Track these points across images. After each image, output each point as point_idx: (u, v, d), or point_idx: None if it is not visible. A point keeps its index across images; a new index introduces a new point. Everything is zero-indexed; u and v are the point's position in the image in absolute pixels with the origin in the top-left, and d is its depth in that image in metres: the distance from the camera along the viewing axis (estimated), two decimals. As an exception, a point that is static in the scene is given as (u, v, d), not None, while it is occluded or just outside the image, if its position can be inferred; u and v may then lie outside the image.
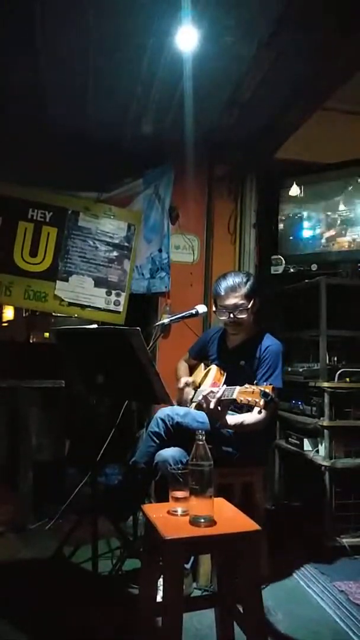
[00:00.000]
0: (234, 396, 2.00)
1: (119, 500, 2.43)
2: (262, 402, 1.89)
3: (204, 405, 2.14)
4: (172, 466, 2.07)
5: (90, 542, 2.19)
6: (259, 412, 2.05)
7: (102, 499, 2.45)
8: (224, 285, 2.40)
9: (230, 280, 2.41)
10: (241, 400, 1.96)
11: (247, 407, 2.27)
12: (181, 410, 2.33)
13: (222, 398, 2.09)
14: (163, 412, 2.31)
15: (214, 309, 2.51)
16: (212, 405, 2.09)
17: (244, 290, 2.37)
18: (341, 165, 3.15)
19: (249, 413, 2.23)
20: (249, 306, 2.37)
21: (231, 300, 2.38)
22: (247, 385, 2.00)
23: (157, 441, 2.27)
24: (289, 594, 2.25)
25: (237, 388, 2.02)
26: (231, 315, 2.39)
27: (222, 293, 2.39)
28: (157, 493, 2.24)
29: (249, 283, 2.40)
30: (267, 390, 1.90)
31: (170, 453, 2.16)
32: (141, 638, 1.64)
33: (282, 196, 3.37)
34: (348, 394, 2.73)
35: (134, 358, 1.98)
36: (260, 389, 1.92)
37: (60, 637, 1.90)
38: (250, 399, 1.93)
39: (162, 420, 2.27)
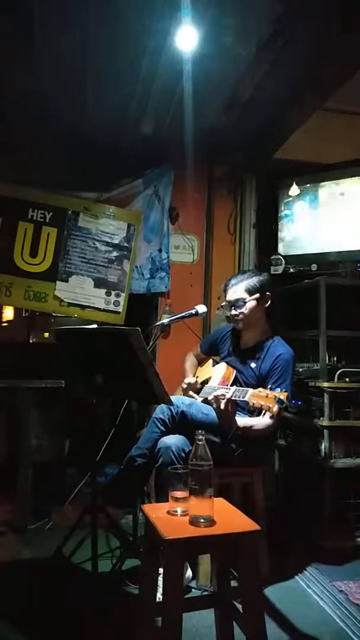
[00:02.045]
0: (246, 398, 1.99)
1: (120, 485, 2.43)
2: (275, 408, 1.87)
3: (214, 405, 2.14)
4: (174, 453, 2.09)
5: (90, 541, 2.19)
6: (270, 417, 2.05)
7: (102, 490, 2.46)
8: (230, 280, 2.47)
9: (236, 277, 2.46)
10: (254, 404, 1.94)
11: (257, 411, 2.28)
12: (187, 399, 2.34)
13: (233, 399, 2.09)
14: None
15: (223, 303, 2.55)
16: (222, 406, 2.09)
17: (245, 284, 2.40)
18: (341, 165, 3.15)
19: (259, 417, 2.24)
20: (248, 300, 2.38)
21: (232, 295, 2.42)
22: (261, 389, 1.99)
23: (162, 427, 2.27)
24: (289, 594, 2.25)
25: (250, 390, 2.01)
26: (231, 310, 2.41)
27: (226, 287, 2.46)
28: (156, 480, 2.25)
29: (253, 278, 2.43)
30: (282, 397, 1.88)
31: (173, 440, 2.17)
32: (141, 638, 1.64)
33: (281, 196, 3.37)
34: (348, 394, 2.73)
35: (134, 358, 1.98)
36: (275, 395, 1.89)
37: (60, 637, 1.90)
38: (263, 403, 1.91)
39: (168, 407, 2.27)
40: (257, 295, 2.39)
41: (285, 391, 1.96)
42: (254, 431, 2.22)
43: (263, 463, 2.43)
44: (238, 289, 2.40)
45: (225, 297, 2.46)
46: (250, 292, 2.39)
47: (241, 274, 2.48)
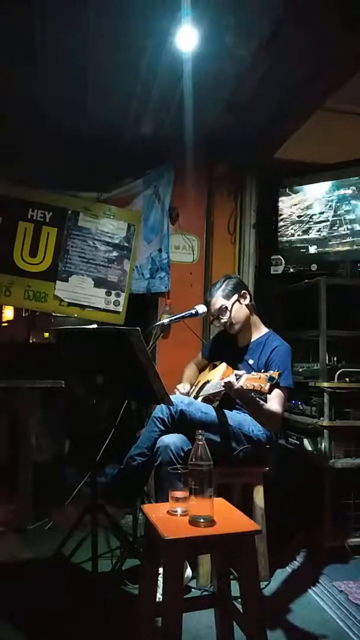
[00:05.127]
0: (241, 383, 2.03)
1: (120, 485, 2.44)
2: (267, 386, 1.91)
3: (230, 392, 2.11)
4: (173, 452, 2.11)
5: (90, 541, 2.18)
6: (262, 395, 2.08)
7: (102, 490, 2.46)
8: (207, 298, 2.57)
9: (210, 292, 2.55)
10: (247, 386, 1.99)
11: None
12: (186, 399, 2.35)
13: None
14: None
15: (211, 319, 2.64)
16: (236, 386, 2.04)
17: (219, 293, 2.50)
18: (340, 166, 3.15)
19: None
20: (228, 304, 2.46)
21: (214, 307, 2.51)
22: (254, 373, 2.04)
23: (161, 427, 2.28)
24: (289, 594, 2.25)
25: (245, 375, 2.05)
26: (220, 320, 2.49)
27: (208, 306, 2.56)
28: (156, 480, 2.25)
29: (224, 285, 2.51)
30: (273, 375, 1.92)
31: (172, 439, 2.17)
32: (141, 638, 1.64)
33: (281, 196, 3.37)
34: (348, 394, 2.73)
35: (134, 358, 1.98)
36: (266, 375, 1.94)
37: (60, 637, 1.90)
38: (256, 384, 1.96)
39: (167, 406, 2.27)
40: (235, 296, 2.48)
41: (278, 371, 1.97)
42: (264, 410, 2.18)
43: (263, 463, 2.43)
44: (217, 300, 2.50)
45: (210, 311, 2.56)
46: (228, 296, 2.48)
47: (213, 287, 2.56)
